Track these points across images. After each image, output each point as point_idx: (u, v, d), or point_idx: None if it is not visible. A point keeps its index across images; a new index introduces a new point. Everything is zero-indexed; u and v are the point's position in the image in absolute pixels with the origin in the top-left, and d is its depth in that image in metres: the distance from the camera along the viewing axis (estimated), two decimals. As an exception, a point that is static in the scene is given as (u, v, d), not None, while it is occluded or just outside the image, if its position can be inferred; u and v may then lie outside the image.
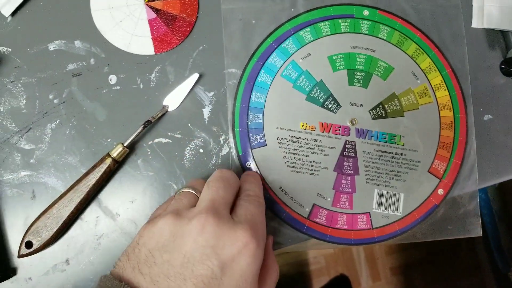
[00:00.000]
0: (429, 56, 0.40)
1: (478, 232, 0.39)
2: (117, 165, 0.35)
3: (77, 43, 0.37)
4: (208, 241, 0.26)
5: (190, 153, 0.37)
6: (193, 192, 0.31)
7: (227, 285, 0.25)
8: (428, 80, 0.40)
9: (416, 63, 0.40)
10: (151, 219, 0.29)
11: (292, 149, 0.38)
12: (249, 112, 0.38)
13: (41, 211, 0.34)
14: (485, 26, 0.41)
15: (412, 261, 1.32)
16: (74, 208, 0.34)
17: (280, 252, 0.37)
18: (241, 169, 0.37)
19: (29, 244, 0.33)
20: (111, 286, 0.25)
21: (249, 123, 0.38)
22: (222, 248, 0.26)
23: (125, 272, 0.26)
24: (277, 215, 0.37)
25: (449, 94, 0.40)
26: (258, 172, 0.37)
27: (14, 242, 0.35)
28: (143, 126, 0.35)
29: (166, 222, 0.27)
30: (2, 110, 0.36)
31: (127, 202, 0.36)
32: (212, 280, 0.25)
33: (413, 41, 0.40)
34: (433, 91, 0.39)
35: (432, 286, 1.32)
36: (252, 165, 0.37)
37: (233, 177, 0.32)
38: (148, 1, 0.38)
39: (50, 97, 0.36)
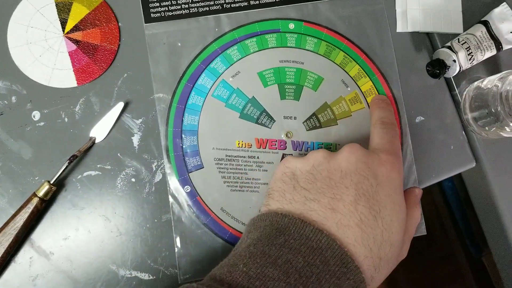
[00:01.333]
0: (357, 63, 0.40)
1: (422, 231, 0.40)
2: (46, 203, 0.34)
3: (-3, 82, 0.36)
4: (359, 158, 0.30)
5: (121, 183, 0.36)
6: None
7: (381, 193, 0.29)
8: (358, 86, 0.40)
9: (345, 71, 0.40)
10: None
11: (230, 169, 0.38)
12: (183, 136, 0.38)
13: (-31, 259, 0.33)
14: (410, 30, 0.42)
15: (392, 255, 1.33)
16: (4, 252, 0.33)
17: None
18: (181, 194, 0.37)
19: (-43, 296, 0.32)
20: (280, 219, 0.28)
21: (183, 146, 0.37)
22: (372, 165, 0.30)
23: (285, 194, 0.30)
24: (220, 237, 0.37)
25: (381, 99, 0.40)
26: (198, 195, 0.37)
27: None
28: (68, 161, 0.34)
29: (318, 152, 0.31)
30: None
31: (60, 240, 0.35)
32: (369, 188, 0.29)
33: (341, 50, 0.40)
34: (364, 97, 0.40)
35: (414, 276, 1.34)
36: (190, 189, 0.37)
37: None
38: (67, 33, 0.37)
39: (-28, 139, 0.35)
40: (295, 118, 0.39)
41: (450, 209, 1.12)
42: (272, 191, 0.31)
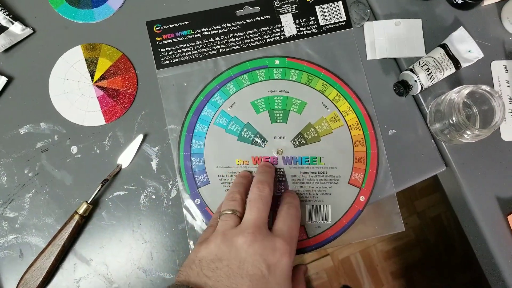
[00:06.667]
0: (335, 88, 0.48)
1: (401, 227, 0.46)
2: (85, 219, 0.42)
3: (42, 124, 0.45)
4: (256, 250, 0.34)
5: (144, 200, 0.44)
6: (235, 214, 0.38)
7: (272, 282, 0.33)
8: (337, 107, 0.47)
9: (325, 96, 0.48)
10: (203, 240, 0.36)
11: (232, 183, 0.45)
12: (192, 158, 0.46)
13: (28, 265, 0.41)
14: (378, 57, 0.49)
15: (411, 263, 1.35)
16: (54, 260, 0.41)
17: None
18: (192, 206, 0.45)
19: (20, 295, 0.40)
20: None
21: (193, 167, 0.45)
22: (267, 255, 0.34)
23: (190, 278, 0.33)
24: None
25: (357, 117, 0.47)
26: (206, 206, 0.44)
27: (8, 295, 0.42)
28: (101, 184, 0.43)
29: (216, 241, 0.35)
30: (-13, 188, 0.44)
31: (97, 248, 0.43)
32: (261, 278, 0.33)
33: (320, 78, 0.48)
34: (343, 116, 0.47)
35: (433, 283, 1.35)
36: (200, 201, 0.45)
37: (269, 194, 0.39)
38: (95, 82, 0.46)
39: (26, 171, 0.44)
40: (284, 137, 0.47)
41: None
42: (185, 265, 0.35)
